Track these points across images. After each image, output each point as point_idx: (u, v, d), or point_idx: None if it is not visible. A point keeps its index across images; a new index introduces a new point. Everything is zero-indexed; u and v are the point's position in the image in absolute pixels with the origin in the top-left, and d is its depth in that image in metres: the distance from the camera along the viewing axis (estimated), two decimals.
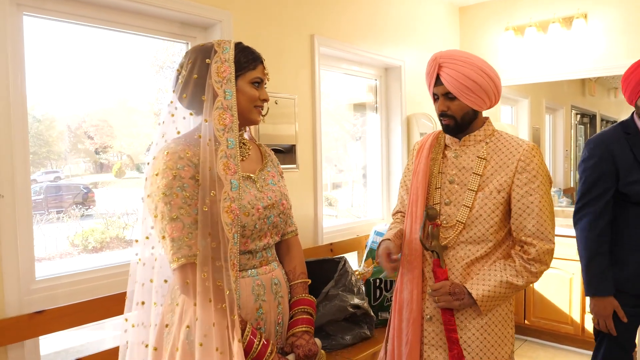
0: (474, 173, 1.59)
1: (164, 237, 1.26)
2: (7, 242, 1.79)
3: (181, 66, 1.38)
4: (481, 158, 1.60)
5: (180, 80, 1.37)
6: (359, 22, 3.38)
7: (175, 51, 2.61)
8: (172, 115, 1.38)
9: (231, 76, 1.33)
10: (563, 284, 3.51)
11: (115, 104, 2.49)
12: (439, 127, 3.85)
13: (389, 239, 1.64)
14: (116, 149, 2.53)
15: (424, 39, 4.08)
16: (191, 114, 1.43)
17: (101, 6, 2.09)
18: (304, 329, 1.43)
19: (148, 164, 1.35)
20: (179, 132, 1.37)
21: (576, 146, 4.57)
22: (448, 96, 1.58)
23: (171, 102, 1.39)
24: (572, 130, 4.56)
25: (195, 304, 1.23)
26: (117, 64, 2.37)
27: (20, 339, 1.76)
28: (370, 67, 3.71)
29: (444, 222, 1.61)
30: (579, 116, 4.61)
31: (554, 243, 1.54)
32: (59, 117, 2.27)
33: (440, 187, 1.65)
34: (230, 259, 1.25)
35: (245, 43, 2.52)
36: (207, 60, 1.32)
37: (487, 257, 1.58)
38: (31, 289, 1.89)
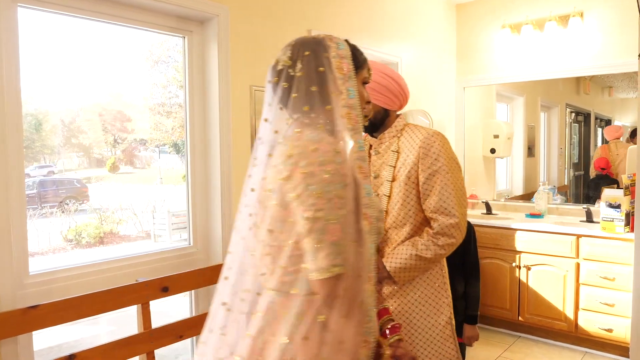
0: (388, 165, 1.77)
1: (320, 241, 1.09)
2: (0, 236, 1.77)
3: (289, 61, 1.22)
4: (394, 151, 1.77)
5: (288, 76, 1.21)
6: (357, 18, 3.37)
7: (170, 46, 2.59)
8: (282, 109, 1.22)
9: (352, 73, 1.22)
10: (557, 281, 3.53)
11: (110, 99, 2.47)
12: (436, 123, 3.87)
13: None
14: (110, 144, 2.51)
15: (421, 36, 4.08)
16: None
17: None
18: (397, 337, 1.45)
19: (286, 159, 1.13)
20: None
21: (570, 144, 4.58)
22: None
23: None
24: (567, 129, 4.58)
25: (332, 319, 1.08)
26: (112, 58, 2.35)
27: (13, 333, 1.75)
28: None
29: None
30: (573, 114, 4.62)
31: (457, 217, 1.68)
32: (53, 111, 2.25)
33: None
34: (369, 270, 1.15)
35: (243, 38, 2.55)
36: (325, 54, 1.20)
37: (410, 239, 1.74)
38: (25, 283, 1.88)
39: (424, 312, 1.74)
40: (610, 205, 3.28)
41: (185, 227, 2.54)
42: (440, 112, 4.30)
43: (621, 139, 4.23)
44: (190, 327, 2.21)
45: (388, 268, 1.71)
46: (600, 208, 3.40)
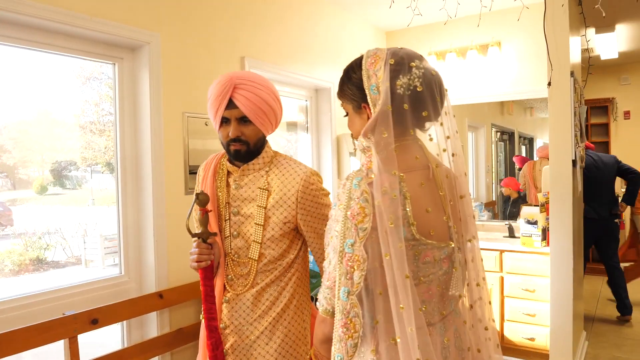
0: (258, 206, 1.55)
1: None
2: None
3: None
4: (263, 189, 1.55)
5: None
6: (289, 45, 3.46)
7: (101, 63, 2.54)
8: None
9: None
10: None
11: (37, 116, 2.39)
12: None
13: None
14: (37, 164, 2.42)
15: None
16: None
17: (22, 26, 2.03)
18: None
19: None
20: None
21: (497, 162, 4.88)
22: (243, 120, 1.53)
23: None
24: (493, 147, 4.88)
25: None
26: (39, 74, 2.27)
27: None
28: (301, 88, 3.80)
29: (235, 256, 1.59)
30: (498, 134, 4.94)
31: None
32: None
33: (228, 219, 1.60)
34: None
35: (175, 65, 2.57)
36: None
37: (277, 280, 1.58)
38: None
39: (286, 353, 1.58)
40: (529, 222, 3.53)
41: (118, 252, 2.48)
42: None
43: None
44: (122, 359, 2.16)
45: None
46: (519, 224, 3.65)
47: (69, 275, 2.82)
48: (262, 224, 1.54)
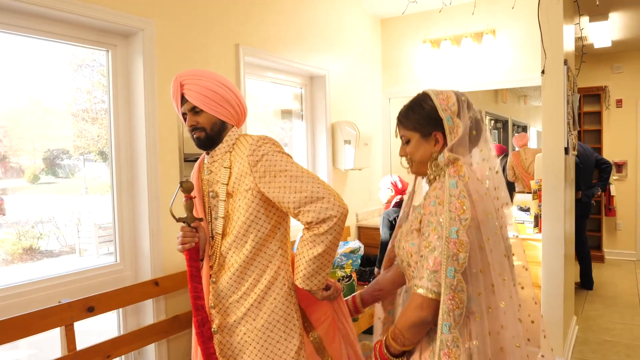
0: (221, 184, 1.66)
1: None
2: None
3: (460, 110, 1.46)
4: (226, 167, 1.66)
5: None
6: (285, 32, 3.44)
7: (94, 49, 2.51)
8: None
9: None
10: None
11: (28, 104, 2.37)
12: (363, 134, 4.02)
13: None
14: (29, 152, 2.40)
15: (348, 49, 4.23)
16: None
17: (12, 12, 2.00)
18: None
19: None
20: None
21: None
22: (195, 110, 1.67)
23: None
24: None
25: None
26: (30, 62, 2.25)
27: None
28: (296, 76, 3.79)
29: (213, 236, 1.70)
30: (492, 121, 4.96)
31: (323, 194, 1.56)
32: None
33: (210, 205, 1.72)
34: None
35: (169, 52, 2.55)
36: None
37: (256, 258, 1.64)
38: None
39: (263, 346, 1.63)
40: (521, 209, 3.57)
41: (112, 240, 2.48)
42: (367, 123, 4.47)
43: (529, 145, 4.64)
44: (119, 346, 2.17)
45: (299, 285, 1.62)
46: (512, 211, 3.69)
47: (63, 264, 2.82)
48: (225, 199, 1.65)
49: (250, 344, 1.63)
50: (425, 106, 1.45)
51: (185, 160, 2.62)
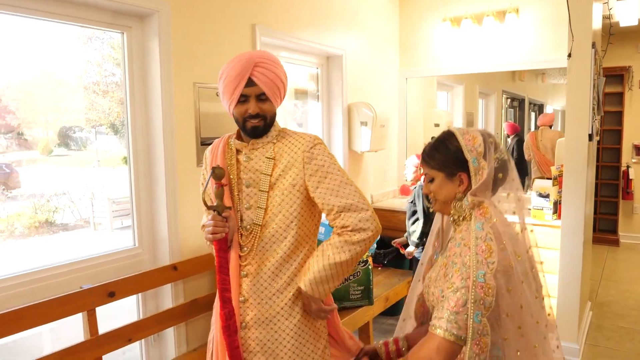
0: (263, 174, 1.61)
1: None
2: None
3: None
4: (269, 158, 1.62)
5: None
6: (301, 12, 3.36)
7: (109, 31, 2.47)
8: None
9: None
10: None
11: (40, 77, 2.34)
12: (379, 114, 3.95)
13: None
14: (42, 125, 2.39)
15: (365, 29, 4.12)
16: None
17: None
18: None
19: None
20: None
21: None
22: (261, 97, 1.59)
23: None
24: (503, 113, 4.81)
25: None
26: (41, 34, 2.21)
27: None
28: (312, 56, 3.71)
29: (247, 226, 1.63)
30: (509, 100, 4.86)
31: (368, 209, 1.59)
32: None
33: (239, 192, 1.65)
34: None
35: (185, 33, 2.50)
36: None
37: (293, 255, 1.62)
38: None
39: (297, 342, 1.63)
40: (540, 195, 3.51)
41: (128, 214, 2.48)
42: (383, 104, 4.40)
43: (552, 126, 4.53)
44: (139, 330, 2.20)
45: (303, 288, 1.59)
46: (531, 197, 3.63)
47: (79, 238, 2.83)
48: (267, 190, 1.61)
49: (288, 341, 1.62)
50: (450, 146, 1.40)
51: (202, 144, 2.59)
